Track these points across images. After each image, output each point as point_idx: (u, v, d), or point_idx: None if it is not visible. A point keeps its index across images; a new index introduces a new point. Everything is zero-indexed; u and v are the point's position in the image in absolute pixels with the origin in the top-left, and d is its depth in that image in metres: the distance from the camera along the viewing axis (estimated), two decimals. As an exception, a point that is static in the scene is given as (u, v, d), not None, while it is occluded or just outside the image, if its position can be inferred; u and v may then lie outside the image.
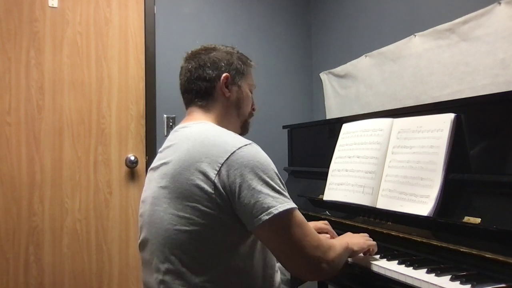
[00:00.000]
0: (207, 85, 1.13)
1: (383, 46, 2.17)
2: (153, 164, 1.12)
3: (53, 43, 2.26)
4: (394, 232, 1.33)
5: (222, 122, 1.13)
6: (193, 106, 1.16)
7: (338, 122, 1.86)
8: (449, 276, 1.00)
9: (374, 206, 1.44)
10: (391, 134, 1.48)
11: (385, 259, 1.19)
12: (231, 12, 2.68)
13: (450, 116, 1.28)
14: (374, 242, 1.21)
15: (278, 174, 0.99)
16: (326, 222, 1.44)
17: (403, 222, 1.32)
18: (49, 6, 2.26)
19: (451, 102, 1.45)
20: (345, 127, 1.75)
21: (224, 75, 1.14)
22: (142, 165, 2.41)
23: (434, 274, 1.04)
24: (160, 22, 2.48)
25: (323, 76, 2.71)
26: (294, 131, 2.28)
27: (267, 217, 0.92)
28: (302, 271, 0.99)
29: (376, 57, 2.23)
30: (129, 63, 2.42)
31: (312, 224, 1.42)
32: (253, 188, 0.93)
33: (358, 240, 1.18)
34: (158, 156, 1.12)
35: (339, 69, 2.54)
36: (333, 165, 1.71)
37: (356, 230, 1.43)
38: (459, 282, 0.97)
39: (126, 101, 2.40)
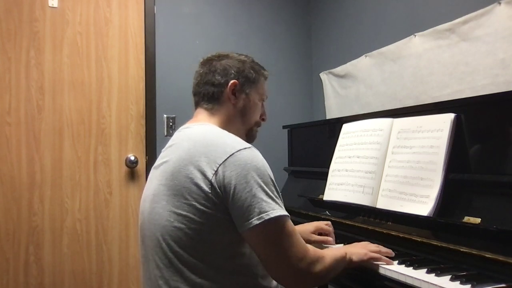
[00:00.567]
0: (215, 90, 1.16)
1: (383, 46, 2.17)
2: (156, 163, 1.14)
3: (53, 43, 2.26)
4: (394, 232, 1.33)
5: (226, 127, 1.14)
6: (200, 108, 1.20)
7: (338, 122, 1.86)
8: (449, 276, 1.00)
9: (374, 206, 1.44)
10: (391, 134, 1.48)
11: (385, 259, 1.19)
12: (231, 12, 2.68)
13: (450, 116, 1.28)
14: (377, 255, 1.17)
15: (274, 181, 1.01)
16: (329, 223, 1.43)
17: (403, 222, 1.32)
18: (49, 6, 2.26)
19: (451, 102, 1.45)
20: (345, 127, 1.75)
21: (232, 82, 1.15)
22: (142, 165, 2.41)
23: (434, 274, 1.04)
24: (160, 22, 2.48)
25: (323, 76, 2.71)
26: (294, 131, 2.28)
27: (257, 222, 0.93)
28: (285, 281, 1.00)
29: (376, 57, 2.23)
30: (129, 63, 2.42)
31: (315, 224, 1.43)
32: (248, 191, 0.94)
33: (359, 251, 1.17)
34: (161, 155, 1.14)
35: (339, 69, 2.54)
36: (333, 165, 1.71)
37: (356, 230, 1.43)
38: (459, 282, 0.97)
39: (126, 101, 2.40)
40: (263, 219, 0.93)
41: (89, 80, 2.33)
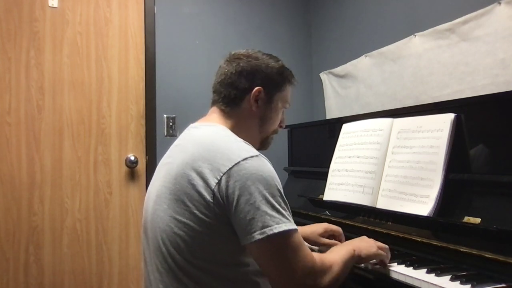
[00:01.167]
0: (237, 93, 1.09)
1: (383, 46, 2.17)
2: (163, 160, 1.12)
3: (53, 43, 2.26)
4: (394, 232, 1.33)
5: (240, 132, 1.08)
6: (216, 108, 1.13)
7: (338, 122, 1.86)
8: (449, 276, 1.01)
9: (374, 206, 1.44)
10: (391, 134, 1.48)
11: (385, 259, 1.19)
12: (231, 12, 2.68)
13: (450, 116, 1.28)
14: (385, 253, 1.15)
15: (281, 191, 0.95)
16: (339, 228, 1.39)
17: (403, 222, 1.33)
18: (49, 6, 2.26)
19: (451, 102, 1.45)
20: (345, 127, 1.75)
21: (256, 88, 1.09)
22: (142, 165, 2.41)
23: (434, 274, 1.04)
24: (160, 22, 2.48)
25: (323, 76, 2.71)
26: (294, 131, 2.28)
27: (260, 237, 0.89)
28: None
29: (376, 57, 2.23)
30: (129, 63, 2.42)
31: (324, 226, 1.39)
32: (251, 204, 0.90)
33: (367, 245, 1.13)
34: (168, 153, 1.12)
35: (339, 69, 2.54)
36: (333, 165, 1.71)
37: (356, 230, 1.43)
38: (459, 282, 0.98)
39: (126, 101, 2.40)
40: (266, 234, 0.88)
41: (89, 80, 2.33)
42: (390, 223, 1.37)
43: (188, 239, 0.94)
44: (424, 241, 1.22)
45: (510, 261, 0.98)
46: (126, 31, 2.41)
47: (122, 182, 2.38)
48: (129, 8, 2.41)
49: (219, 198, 0.92)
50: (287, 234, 0.91)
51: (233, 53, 1.16)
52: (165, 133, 2.47)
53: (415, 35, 1.97)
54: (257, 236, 0.89)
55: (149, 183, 2.52)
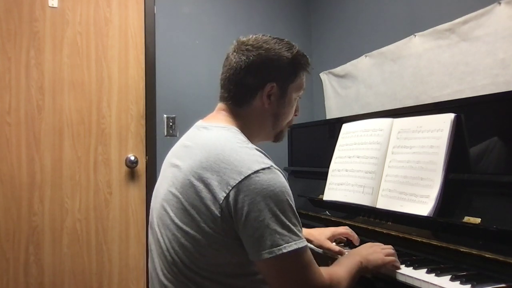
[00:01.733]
0: (247, 92, 1.03)
1: (383, 46, 2.17)
2: (170, 159, 1.06)
3: (53, 43, 2.26)
4: (394, 232, 1.33)
5: (251, 130, 1.04)
6: (224, 104, 1.06)
7: (338, 122, 1.86)
8: (449, 276, 1.01)
9: (374, 206, 1.44)
10: (391, 134, 1.48)
11: (385, 259, 1.19)
12: (231, 12, 2.68)
13: (450, 116, 1.28)
14: (394, 258, 1.13)
15: (293, 205, 0.91)
16: (346, 227, 1.39)
17: (403, 222, 1.33)
18: (49, 6, 2.26)
19: (451, 102, 1.45)
20: (345, 127, 1.75)
21: (269, 85, 1.02)
22: (142, 165, 2.41)
23: (434, 274, 1.04)
24: (160, 22, 2.48)
25: (323, 76, 2.71)
26: (294, 131, 2.28)
27: (268, 256, 0.86)
28: None
29: (376, 57, 2.23)
30: (129, 63, 2.42)
31: (333, 229, 1.38)
32: (261, 221, 0.86)
33: (375, 257, 1.11)
34: (175, 151, 1.07)
35: (339, 69, 2.54)
36: (333, 165, 1.71)
37: (356, 230, 1.43)
38: (459, 282, 0.98)
39: (126, 101, 2.40)
40: (274, 254, 0.85)
41: (89, 80, 2.33)
42: (390, 223, 1.37)
43: (194, 251, 0.91)
44: (424, 241, 1.22)
45: (510, 261, 0.98)
46: (126, 31, 2.41)
47: (122, 182, 2.38)
48: (129, 8, 2.41)
49: (227, 212, 0.88)
50: (297, 253, 0.88)
51: (241, 40, 1.07)
52: (165, 133, 2.46)
53: (415, 35, 1.97)
54: (266, 255, 0.86)
55: (149, 183, 2.53)
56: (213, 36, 2.60)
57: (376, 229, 1.40)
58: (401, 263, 1.15)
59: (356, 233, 1.41)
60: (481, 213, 1.13)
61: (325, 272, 0.95)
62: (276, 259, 0.86)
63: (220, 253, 0.91)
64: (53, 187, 2.24)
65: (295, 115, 1.14)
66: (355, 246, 1.32)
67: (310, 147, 2.16)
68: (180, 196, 0.94)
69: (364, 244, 1.20)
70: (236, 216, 0.87)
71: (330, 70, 2.63)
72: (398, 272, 1.10)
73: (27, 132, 2.21)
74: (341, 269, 1.02)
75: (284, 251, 0.86)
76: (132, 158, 2.37)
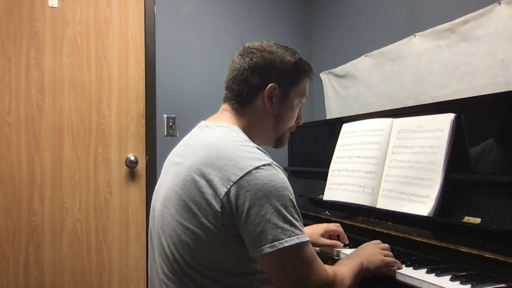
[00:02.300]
0: (250, 91, 1.04)
1: (383, 46, 2.17)
2: (172, 158, 1.08)
3: (53, 43, 2.26)
4: (394, 232, 1.33)
5: (253, 131, 1.05)
6: (228, 105, 1.08)
7: (338, 122, 1.86)
8: (449, 276, 1.01)
9: (374, 206, 1.44)
10: (391, 134, 1.48)
11: (385, 259, 1.19)
12: (231, 12, 2.68)
13: (450, 116, 1.28)
14: (392, 259, 1.13)
15: (294, 201, 0.91)
16: (338, 224, 1.40)
17: (403, 222, 1.33)
18: (49, 6, 2.26)
19: (451, 102, 1.45)
20: (345, 127, 1.75)
21: (270, 85, 1.04)
22: (142, 165, 2.41)
23: (434, 274, 1.04)
24: (160, 22, 2.48)
25: (323, 76, 2.71)
26: (294, 131, 2.28)
27: (269, 250, 0.86)
28: None
29: (376, 57, 2.23)
30: (129, 63, 2.42)
31: (324, 226, 1.38)
32: (262, 216, 0.86)
33: (374, 258, 1.11)
34: (177, 150, 1.08)
35: (339, 69, 2.54)
36: (333, 165, 1.71)
37: (356, 230, 1.43)
38: (459, 282, 0.98)
39: (126, 101, 2.40)
40: (276, 248, 0.85)
41: (89, 80, 2.33)
42: (390, 223, 1.37)
43: (194, 247, 0.92)
44: (424, 241, 1.22)
45: (510, 261, 0.98)
46: (126, 31, 2.41)
47: (122, 182, 2.38)
48: (129, 8, 2.41)
49: (228, 208, 0.88)
50: (299, 247, 0.88)
51: (247, 46, 1.10)
52: (165, 133, 2.47)
53: (415, 35, 1.97)
54: (267, 249, 0.86)
55: (149, 183, 2.54)
56: (213, 36, 2.60)
57: (376, 229, 1.40)
58: (401, 263, 1.14)
59: (356, 233, 1.41)
60: (481, 213, 1.13)
61: (329, 269, 0.95)
62: (278, 253, 0.86)
63: (220, 250, 0.92)
64: (53, 187, 2.24)
65: (297, 123, 1.16)
66: (354, 247, 1.32)
67: (310, 147, 2.16)
68: (181, 192, 0.94)
69: (362, 245, 1.20)
70: (238, 211, 0.88)
71: (330, 70, 2.63)
72: (398, 272, 1.10)
73: (27, 132, 2.21)
74: (344, 268, 1.02)
75: (286, 245, 0.86)
76: (132, 158, 2.37)
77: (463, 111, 1.29)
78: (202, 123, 1.09)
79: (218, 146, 0.95)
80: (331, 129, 1.97)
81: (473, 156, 1.27)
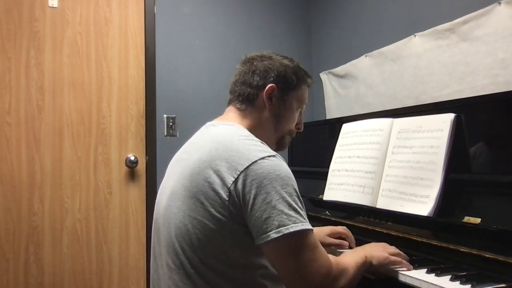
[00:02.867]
0: (251, 91, 1.10)
1: (383, 46, 2.17)
2: (177, 156, 1.12)
3: (53, 43, 2.26)
4: (394, 232, 1.33)
5: (256, 131, 1.08)
6: (232, 107, 1.14)
7: (338, 122, 1.86)
8: (449, 276, 1.01)
9: (374, 206, 1.44)
10: (391, 134, 1.48)
11: (385, 259, 1.19)
12: (231, 12, 2.68)
13: (450, 116, 1.28)
14: (397, 259, 1.12)
15: (298, 191, 0.95)
16: (345, 227, 1.40)
17: (403, 222, 1.32)
18: (49, 6, 2.26)
19: (451, 102, 1.45)
20: (345, 127, 1.75)
21: (269, 85, 1.09)
22: (142, 165, 2.41)
23: (434, 274, 1.04)
24: (160, 22, 2.48)
25: (323, 76, 2.71)
26: (294, 131, 2.28)
27: (275, 235, 0.88)
28: None
29: (376, 57, 2.23)
30: (129, 63, 2.42)
31: (330, 228, 1.39)
32: (268, 202, 0.89)
33: (378, 254, 1.11)
34: (183, 148, 1.12)
35: (339, 69, 2.54)
36: (333, 165, 1.71)
37: (356, 230, 1.43)
38: (459, 282, 0.98)
39: (126, 101, 2.40)
40: (282, 233, 0.88)
41: (89, 80, 2.33)
42: (390, 223, 1.37)
43: (202, 237, 0.94)
44: (424, 241, 1.22)
45: (510, 261, 0.98)
46: (126, 31, 2.41)
47: (122, 182, 2.38)
48: (129, 8, 2.41)
49: (235, 196, 0.91)
50: (304, 233, 0.91)
51: (248, 56, 1.18)
52: (165, 133, 2.47)
53: (415, 35, 1.97)
54: (273, 235, 0.88)
55: (149, 183, 2.54)
56: (213, 36, 2.60)
57: (376, 229, 1.39)
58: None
59: (356, 233, 1.41)
60: (481, 213, 1.13)
61: (332, 258, 0.97)
62: (283, 238, 0.88)
63: (226, 240, 0.94)
64: (53, 187, 2.24)
65: (298, 128, 1.21)
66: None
67: (310, 147, 2.16)
68: (188, 184, 0.97)
69: (369, 243, 1.21)
70: (244, 200, 0.91)
71: (330, 70, 2.63)
72: (398, 272, 1.10)
73: (27, 132, 2.21)
74: (347, 258, 1.04)
75: (291, 230, 0.88)
76: (132, 158, 2.37)
77: (463, 111, 1.29)
78: (208, 123, 1.13)
79: (224, 139, 0.99)
80: (331, 129, 1.97)
81: (473, 156, 1.27)
